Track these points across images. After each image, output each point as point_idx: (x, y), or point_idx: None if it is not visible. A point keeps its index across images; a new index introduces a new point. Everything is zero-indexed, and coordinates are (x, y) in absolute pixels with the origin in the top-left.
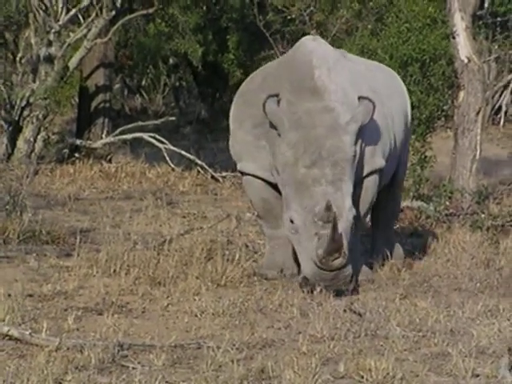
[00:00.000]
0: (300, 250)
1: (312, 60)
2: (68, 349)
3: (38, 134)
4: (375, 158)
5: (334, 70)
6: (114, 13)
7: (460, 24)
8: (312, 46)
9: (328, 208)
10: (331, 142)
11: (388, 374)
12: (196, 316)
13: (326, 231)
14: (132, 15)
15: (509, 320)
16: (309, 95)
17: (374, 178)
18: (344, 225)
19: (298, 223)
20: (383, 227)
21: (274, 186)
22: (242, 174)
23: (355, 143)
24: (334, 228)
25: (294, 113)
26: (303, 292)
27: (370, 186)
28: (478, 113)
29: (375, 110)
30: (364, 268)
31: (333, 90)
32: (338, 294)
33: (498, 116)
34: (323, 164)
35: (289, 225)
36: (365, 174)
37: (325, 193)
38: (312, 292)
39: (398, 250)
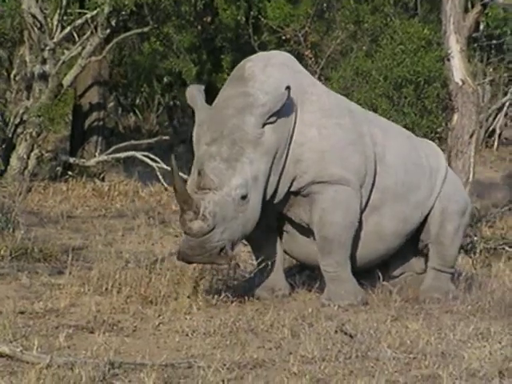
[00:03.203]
0: None
1: (252, 58)
2: (59, 366)
3: (31, 151)
4: (328, 167)
5: (271, 67)
6: (108, 31)
7: (455, 46)
8: (270, 53)
9: (175, 177)
10: (234, 121)
11: None
12: (187, 335)
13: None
14: (127, 34)
15: (500, 343)
16: (235, 82)
17: (334, 194)
18: (219, 197)
19: None
20: None
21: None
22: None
23: (262, 127)
24: (175, 183)
25: (218, 97)
26: (294, 313)
27: (329, 205)
28: (471, 135)
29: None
30: (355, 287)
31: (260, 79)
32: (329, 314)
33: (492, 139)
34: (222, 142)
35: None
36: (308, 180)
37: (214, 168)
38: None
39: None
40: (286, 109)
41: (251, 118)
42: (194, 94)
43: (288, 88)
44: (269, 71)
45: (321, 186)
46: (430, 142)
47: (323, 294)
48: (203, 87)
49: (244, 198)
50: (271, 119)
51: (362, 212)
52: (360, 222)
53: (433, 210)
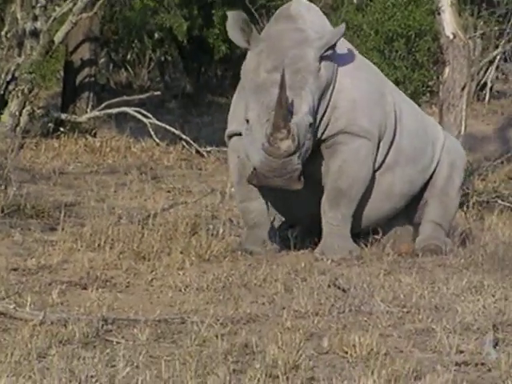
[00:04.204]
0: (252, 148)
1: (294, 1)
2: (52, 323)
3: (23, 108)
4: (358, 117)
5: (314, 10)
6: None
7: (445, 0)
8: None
9: (282, 92)
10: (294, 51)
11: (372, 349)
12: (180, 291)
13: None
14: None
15: (493, 296)
16: (284, 20)
17: (358, 146)
18: (297, 120)
19: (252, 118)
20: None
21: None
22: (230, 137)
23: (320, 62)
24: (281, 101)
25: (266, 31)
26: (287, 267)
27: (351, 158)
28: (463, 89)
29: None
30: (351, 244)
31: (309, 19)
32: (322, 269)
33: (484, 92)
34: (284, 71)
35: (245, 127)
36: (339, 128)
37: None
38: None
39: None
40: (332, 53)
41: (310, 51)
42: (242, 21)
43: (345, 23)
44: (313, 13)
45: (348, 137)
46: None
47: (317, 248)
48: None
49: (311, 125)
50: (328, 52)
51: (377, 170)
52: (374, 180)
53: (441, 164)
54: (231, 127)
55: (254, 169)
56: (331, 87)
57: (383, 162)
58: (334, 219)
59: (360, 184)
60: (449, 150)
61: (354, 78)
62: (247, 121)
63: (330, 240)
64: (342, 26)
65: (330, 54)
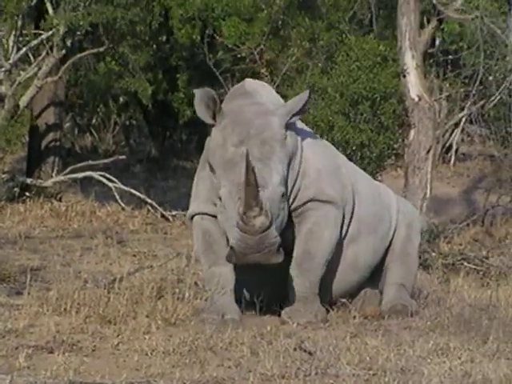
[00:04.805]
0: (227, 226)
1: (247, 80)
2: None
3: None
4: (324, 186)
5: (267, 87)
6: (64, 51)
7: (411, 62)
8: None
9: (248, 171)
10: (259, 121)
11: None
12: (146, 354)
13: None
14: (82, 54)
15: (460, 358)
16: (240, 97)
17: (326, 212)
18: (268, 194)
19: (224, 196)
20: None
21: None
22: (191, 218)
23: (285, 130)
24: (249, 180)
25: (225, 108)
26: (253, 331)
27: (321, 220)
28: (428, 151)
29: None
30: (318, 307)
31: (264, 94)
32: (288, 332)
33: (449, 154)
34: (251, 142)
35: (218, 204)
36: (309, 197)
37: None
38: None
39: None
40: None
41: (275, 119)
42: (208, 98)
43: (310, 90)
44: (268, 90)
45: (317, 204)
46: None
47: (284, 311)
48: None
49: (283, 195)
50: (292, 119)
51: (342, 241)
52: (340, 252)
53: (398, 227)
54: (192, 207)
55: (231, 247)
56: (298, 155)
57: (347, 233)
58: (302, 286)
59: (328, 248)
60: (404, 212)
61: (313, 151)
62: (220, 198)
63: (297, 304)
64: (306, 92)
65: (293, 122)
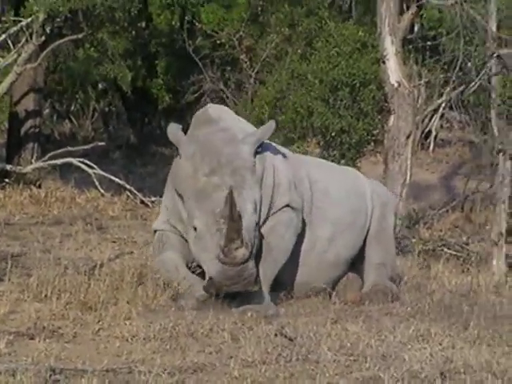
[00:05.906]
0: (204, 256)
1: (209, 105)
2: (0, 373)
3: None
4: (293, 194)
5: (230, 112)
6: (43, 38)
7: (390, 48)
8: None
9: (228, 204)
10: (229, 150)
11: None
12: (127, 340)
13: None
14: (61, 40)
15: (440, 344)
16: (205, 124)
17: (293, 216)
18: (245, 224)
19: (200, 227)
20: None
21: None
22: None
23: (254, 157)
24: (233, 215)
25: (193, 134)
26: (233, 317)
27: (286, 222)
28: (408, 137)
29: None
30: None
31: (229, 119)
32: (269, 318)
33: (428, 141)
34: (222, 171)
35: (192, 234)
36: (284, 203)
37: (226, 197)
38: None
39: None
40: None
41: (245, 147)
42: (175, 130)
43: (275, 121)
44: (231, 114)
45: (287, 209)
46: (349, 168)
47: (235, 303)
48: (179, 125)
49: (257, 224)
50: (260, 149)
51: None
52: (321, 254)
53: (373, 208)
54: (156, 223)
55: (210, 278)
56: (271, 170)
57: (323, 236)
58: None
59: (285, 248)
60: (378, 192)
61: (282, 162)
62: (195, 228)
63: (248, 297)
64: (272, 123)
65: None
